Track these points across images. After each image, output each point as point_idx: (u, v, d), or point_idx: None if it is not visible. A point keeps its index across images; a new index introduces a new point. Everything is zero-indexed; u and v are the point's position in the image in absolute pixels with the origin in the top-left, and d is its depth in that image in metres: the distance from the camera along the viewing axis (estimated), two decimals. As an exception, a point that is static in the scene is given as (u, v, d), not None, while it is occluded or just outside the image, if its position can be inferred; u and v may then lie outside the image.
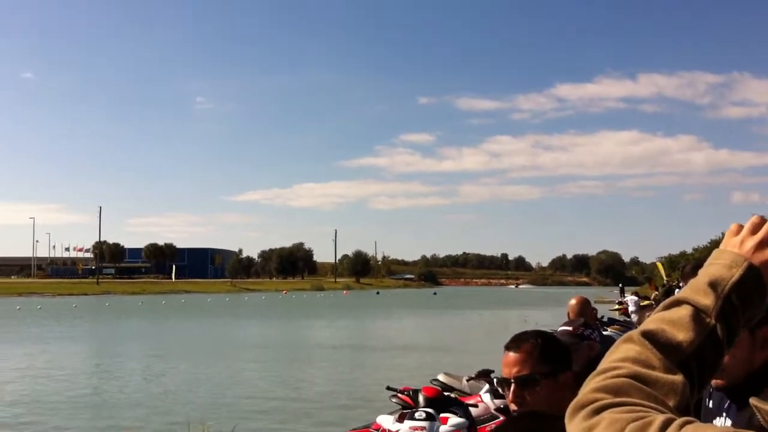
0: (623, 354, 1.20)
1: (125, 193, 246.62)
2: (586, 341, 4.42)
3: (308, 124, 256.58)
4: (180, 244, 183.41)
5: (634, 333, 1.24)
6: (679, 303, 1.25)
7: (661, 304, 1.29)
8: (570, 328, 4.50)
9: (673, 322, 1.22)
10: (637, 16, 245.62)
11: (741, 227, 1.30)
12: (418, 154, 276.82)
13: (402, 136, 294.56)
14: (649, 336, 1.21)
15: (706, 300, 1.22)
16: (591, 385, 1.16)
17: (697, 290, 1.24)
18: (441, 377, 11.48)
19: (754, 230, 1.28)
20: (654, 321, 1.25)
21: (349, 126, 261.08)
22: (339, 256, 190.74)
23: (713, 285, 1.23)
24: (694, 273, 5.33)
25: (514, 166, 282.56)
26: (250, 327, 44.23)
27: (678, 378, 1.15)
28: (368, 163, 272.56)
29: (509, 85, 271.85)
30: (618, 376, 1.16)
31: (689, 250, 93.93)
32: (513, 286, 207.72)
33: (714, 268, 1.27)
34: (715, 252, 1.32)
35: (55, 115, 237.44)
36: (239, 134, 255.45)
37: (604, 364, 1.21)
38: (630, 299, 41.18)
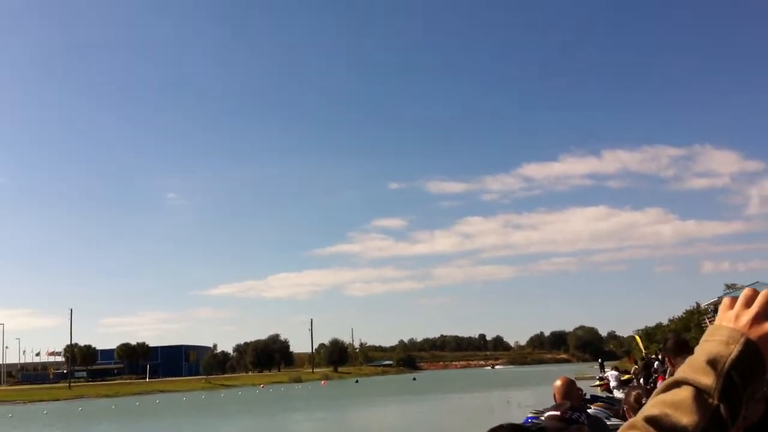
0: None
1: (96, 293, 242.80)
2: (574, 425, 4.37)
3: (280, 213, 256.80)
4: (153, 343, 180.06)
5: (638, 419, 1.20)
6: (678, 384, 1.22)
7: (660, 386, 1.26)
8: (558, 413, 4.43)
9: (675, 405, 1.18)
10: (597, 93, 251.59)
11: (734, 301, 1.27)
12: (391, 239, 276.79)
13: (374, 221, 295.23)
14: (654, 422, 1.17)
15: (707, 380, 1.19)
16: None
17: (696, 369, 1.21)
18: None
19: (748, 303, 1.26)
20: (656, 405, 1.21)
21: (321, 213, 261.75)
22: (316, 346, 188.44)
23: (712, 363, 1.20)
24: (676, 347, 5.39)
25: (486, 246, 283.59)
26: (227, 426, 43.19)
27: None
28: (341, 250, 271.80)
29: (477, 166, 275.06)
30: None
31: (665, 322, 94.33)
32: (489, 368, 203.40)
33: (711, 345, 1.24)
34: (710, 328, 1.29)
35: (25, 218, 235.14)
36: (210, 227, 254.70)
37: None
38: (610, 374, 41.15)
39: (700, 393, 1.18)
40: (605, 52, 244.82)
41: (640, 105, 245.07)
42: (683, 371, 1.24)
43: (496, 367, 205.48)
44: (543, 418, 4.32)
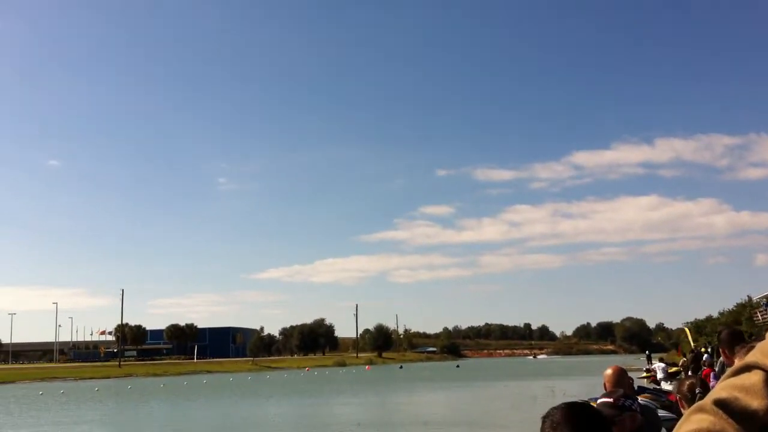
0: (696, 425, 1.15)
1: (147, 274, 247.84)
2: (628, 412, 4.31)
3: (328, 200, 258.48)
4: (201, 324, 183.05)
5: (706, 402, 1.19)
6: (749, 368, 1.20)
7: (729, 370, 1.24)
8: (611, 399, 4.39)
9: (745, 389, 1.16)
10: (651, 82, 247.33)
11: None
12: (438, 226, 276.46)
13: (421, 208, 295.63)
14: (723, 405, 1.16)
15: None
16: None
17: (766, 354, 1.19)
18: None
19: None
20: (725, 388, 1.19)
21: (369, 200, 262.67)
22: (360, 331, 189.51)
23: None
24: (731, 339, 5.31)
25: (534, 234, 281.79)
26: (273, 406, 43.73)
27: None
28: (388, 237, 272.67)
29: (526, 154, 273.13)
30: None
31: (715, 314, 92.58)
32: (532, 357, 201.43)
33: None
34: None
35: (79, 200, 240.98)
36: (260, 213, 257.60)
37: None
38: (658, 366, 40.58)
39: None
40: (660, 42, 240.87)
41: (694, 94, 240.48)
42: (754, 356, 1.21)
43: (539, 356, 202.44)
44: (596, 404, 4.27)
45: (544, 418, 2.66)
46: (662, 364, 45.05)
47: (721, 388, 1.20)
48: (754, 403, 1.13)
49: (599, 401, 4.45)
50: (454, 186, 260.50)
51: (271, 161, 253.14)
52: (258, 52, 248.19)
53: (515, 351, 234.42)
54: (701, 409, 1.18)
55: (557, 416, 2.62)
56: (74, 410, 43.90)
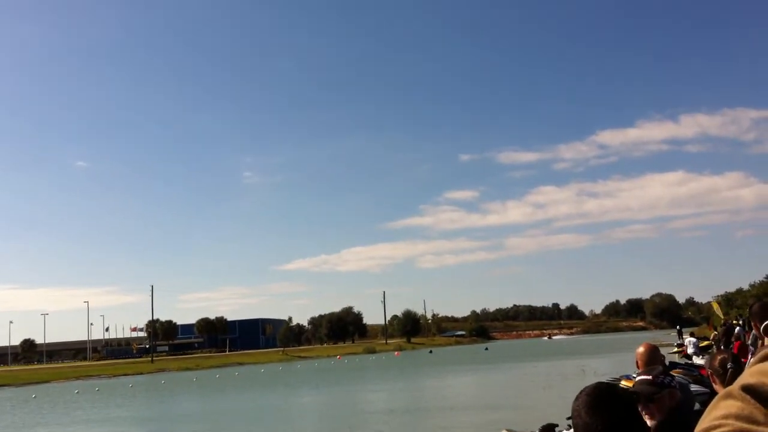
0: (725, 411, 1.14)
1: (176, 270, 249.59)
2: (667, 389, 4.29)
3: (352, 189, 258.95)
4: (231, 317, 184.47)
5: (734, 388, 1.18)
6: None
7: (756, 356, 1.24)
8: (650, 377, 4.37)
9: None
10: (673, 58, 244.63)
11: None
12: (463, 211, 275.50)
13: (445, 194, 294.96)
14: (751, 390, 1.15)
15: None
16: None
17: None
18: (503, 434, 11.33)
19: None
20: (753, 374, 1.18)
21: (393, 188, 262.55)
22: (389, 317, 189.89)
23: None
24: (762, 311, 5.31)
25: (559, 215, 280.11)
26: (305, 396, 44.05)
27: None
28: (413, 223, 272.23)
29: (549, 135, 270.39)
30: None
31: (745, 287, 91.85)
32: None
33: None
34: None
35: (106, 200, 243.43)
36: (285, 204, 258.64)
37: (705, 423, 1.14)
38: (689, 341, 40.28)
39: None
40: (683, 19, 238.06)
41: (718, 68, 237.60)
42: None
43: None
44: (630, 383, 4.29)
45: (576, 400, 2.72)
46: (693, 339, 44.78)
47: (749, 374, 1.19)
48: None
49: (638, 379, 4.46)
50: (478, 170, 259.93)
51: (294, 153, 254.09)
52: (281, 46, 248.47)
53: (544, 331, 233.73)
54: (729, 395, 1.17)
55: (588, 398, 2.68)
56: (114, 407, 44.53)
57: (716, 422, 1.13)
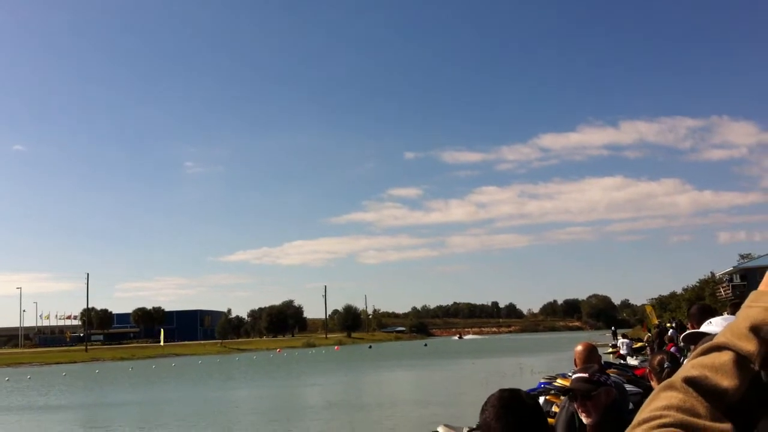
0: (666, 402, 1.15)
1: (113, 258, 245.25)
2: (603, 387, 4.37)
3: (296, 183, 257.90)
4: (169, 307, 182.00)
5: (676, 380, 1.19)
6: (719, 348, 1.21)
7: (698, 349, 1.25)
8: (586, 375, 4.44)
9: (715, 368, 1.17)
10: (615, 65, 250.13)
11: None
12: (406, 208, 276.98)
13: (389, 190, 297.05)
14: (693, 383, 1.16)
15: (749, 345, 1.18)
16: None
17: (738, 335, 1.20)
18: (441, 429, 11.38)
19: None
20: (695, 367, 1.19)
21: (337, 183, 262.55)
22: (329, 312, 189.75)
23: (754, 329, 1.19)
24: (700, 314, 5.42)
25: (501, 215, 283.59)
26: (242, 388, 43.76)
27: (726, 426, 1.11)
28: (357, 219, 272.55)
29: (493, 136, 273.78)
30: (663, 425, 1.11)
31: (679, 291, 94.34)
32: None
33: (754, 311, 1.22)
34: (753, 294, 1.27)
35: (44, 184, 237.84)
36: (228, 196, 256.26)
37: (644, 413, 1.15)
38: (621, 342, 41.23)
39: (741, 358, 1.17)
40: (624, 27, 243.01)
41: (658, 77, 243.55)
42: (724, 336, 1.22)
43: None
44: (567, 381, 4.36)
45: (483, 411, 2.75)
46: (626, 340, 45.90)
47: (691, 366, 1.21)
48: (724, 382, 1.15)
49: (575, 376, 4.53)
50: (422, 168, 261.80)
51: (238, 144, 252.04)
52: (225, 39, 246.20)
53: (483, 329, 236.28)
54: (671, 387, 1.18)
55: (493, 407, 2.72)
56: (44, 396, 43.54)
57: (657, 413, 1.13)
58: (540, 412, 2.77)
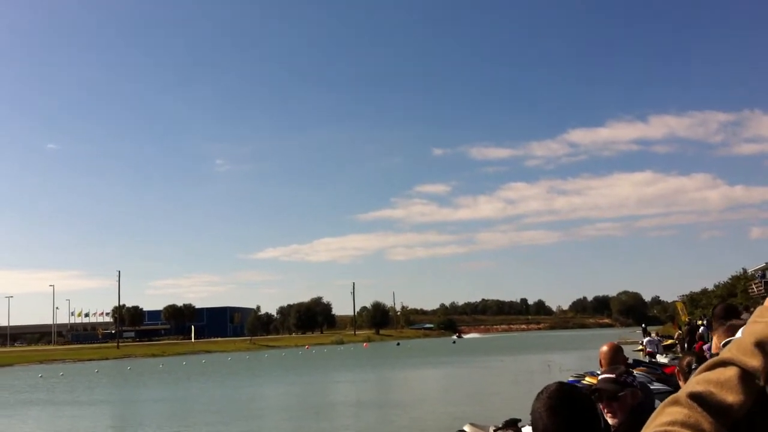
0: (671, 417, 1.14)
1: (145, 256, 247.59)
2: (629, 388, 4.34)
3: (325, 180, 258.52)
4: (199, 304, 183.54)
5: (681, 395, 1.18)
6: (724, 364, 1.20)
7: (704, 365, 1.25)
8: (613, 376, 4.42)
9: (720, 383, 1.16)
10: (645, 60, 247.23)
11: None
12: (434, 204, 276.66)
13: (417, 187, 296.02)
14: (698, 398, 1.15)
15: (754, 361, 1.17)
16: None
17: (743, 351, 1.19)
18: (467, 428, 11.34)
19: None
20: (700, 383, 1.18)
21: (366, 180, 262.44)
22: (358, 309, 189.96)
23: (760, 345, 1.18)
24: (724, 314, 5.36)
25: (529, 211, 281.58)
26: (272, 385, 43.96)
27: None
28: (385, 216, 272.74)
29: (522, 132, 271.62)
30: None
31: (710, 287, 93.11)
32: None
33: (759, 327, 1.22)
34: (759, 309, 1.27)
35: (76, 183, 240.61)
36: (257, 193, 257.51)
37: (650, 428, 1.14)
38: (647, 341, 40.78)
39: (746, 374, 1.16)
40: (654, 21, 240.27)
41: (688, 71, 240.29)
42: (730, 351, 1.21)
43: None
44: (595, 380, 4.34)
45: (536, 400, 2.73)
46: (653, 338, 45.39)
47: (696, 382, 1.20)
48: (729, 398, 1.14)
49: (601, 377, 4.52)
50: (451, 164, 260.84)
51: (267, 142, 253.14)
52: (254, 35, 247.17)
53: (512, 326, 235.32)
54: (676, 402, 1.18)
55: (548, 399, 2.69)
56: (77, 392, 44.09)
57: (662, 428, 1.13)
58: (594, 410, 2.74)
